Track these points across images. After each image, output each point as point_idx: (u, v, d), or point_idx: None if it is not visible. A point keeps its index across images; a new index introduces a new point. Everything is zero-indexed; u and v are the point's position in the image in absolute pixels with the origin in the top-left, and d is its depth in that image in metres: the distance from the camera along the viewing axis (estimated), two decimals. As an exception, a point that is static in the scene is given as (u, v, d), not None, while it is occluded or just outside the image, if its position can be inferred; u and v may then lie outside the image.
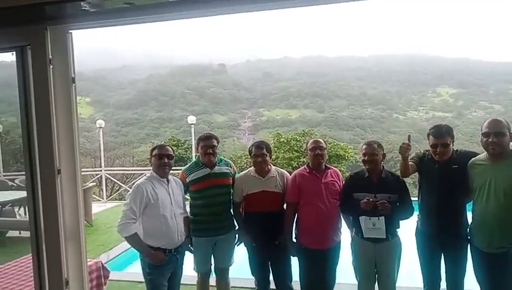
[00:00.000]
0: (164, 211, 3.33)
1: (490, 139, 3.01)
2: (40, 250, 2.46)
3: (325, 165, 3.71)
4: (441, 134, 3.31)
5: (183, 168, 3.97)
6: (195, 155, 4.04)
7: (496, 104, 55.93)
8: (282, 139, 19.09)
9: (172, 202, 3.42)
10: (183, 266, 3.62)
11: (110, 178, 13.52)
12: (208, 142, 3.75)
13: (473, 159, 3.26)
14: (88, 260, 4.02)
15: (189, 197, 3.82)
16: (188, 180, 3.75)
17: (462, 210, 3.37)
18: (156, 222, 3.30)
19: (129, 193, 3.39)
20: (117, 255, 6.36)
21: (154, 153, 3.46)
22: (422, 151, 3.52)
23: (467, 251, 3.35)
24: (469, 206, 3.35)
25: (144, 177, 3.48)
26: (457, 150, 3.41)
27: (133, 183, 3.44)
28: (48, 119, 2.47)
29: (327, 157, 3.79)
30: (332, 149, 17.69)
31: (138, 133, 51.82)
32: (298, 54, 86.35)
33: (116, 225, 3.25)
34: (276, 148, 18.44)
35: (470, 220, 3.34)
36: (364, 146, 3.54)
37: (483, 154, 3.20)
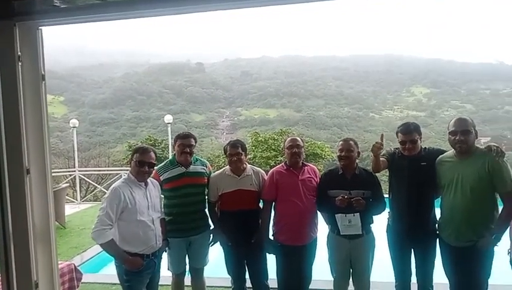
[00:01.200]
0: (141, 216, 3.18)
1: (457, 137, 3.12)
2: (8, 252, 2.40)
3: (302, 163, 3.74)
4: (409, 131, 3.41)
5: (157, 167, 3.89)
6: (172, 154, 3.92)
7: (467, 103, 57.85)
8: (260, 139, 19.15)
9: (150, 206, 3.28)
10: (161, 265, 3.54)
11: (84, 179, 13.23)
12: (185, 141, 3.72)
13: (441, 156, 3.37)
14: (60, 262, 3.96)
15: (162, 196, 3.76)
16: (162, 178, 3.69)
17: (430, 206, 3.46)
18: (134, 228, 3.16)
19: (105, 196, 3.22)
20: (91, 258, 6.23)
21: (135, 157, 3.27)
22: (392, 149, 3.61)
23: (435, 246, 3.44)
24: (437, 202, 3.46)
25: (121, 179, 3.31)
26: (425, 147, 3.52)
27: (109, 184, 3.28)
28: (17, 118, 2.42)
29: (304, 155, 3.82)
30: (309, 148, 17.87)
31: (114, 133, 50.97)
32: (276, 53, 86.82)
33: (91, 230, 3.06)
34: (254, 148, 18.49)
35: (438, 215, 3.45)
36: (340, 142, 3.59)
37: (450, 152, 3.32)
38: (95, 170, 17.47)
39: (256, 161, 17.42)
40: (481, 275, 3.16)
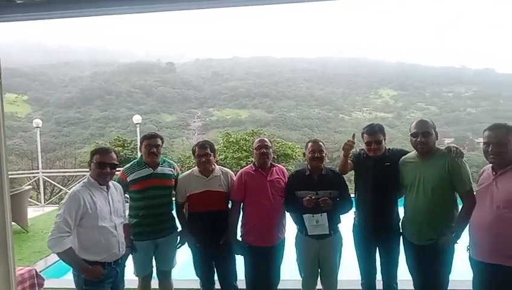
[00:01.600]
0: (103, 222, 2.98)
1: (419, 139, 3.23)
2: (-40, 259, 2.27)
3: (271, 163, 3.75)
4: (374, 132, 3.50)
5: (123, 168, 3.78)
6: (140, 155, 3.82)
7: (431, 105, 60.09)
8: (231, 139, 19.10)
9: (112, 211, 3.08)
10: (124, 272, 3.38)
11: (48, 181, 12.75)
12: (152, 141, 3.65)
13: (404, 157, 3.47)
14: (21, 268, 3.82)
15: (128, 198, 3.67)
16: (128, 179, 3.61)
17: (394, 205, 3.56)
18: (94, 234, 2.95)
19: (63, 201, 3.00)
20: (55, 262, 6.00)
21: (95, 158, 3.06)
22: (358, 150, 3.68)
23: (399, 244, 3.55)
24: (400, 201, 3.56)
25: (81, 183, 3.08)
26: (389, 148, 3.61)
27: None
28: (-31, 118, 2.29)
29: (273, 155, 3.82)
30: (280, 148, 18.01)
31: (81, 133, 49.57)
32: (248, 54, 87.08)
33: (47, 238, 2.85)
34: (225, 148, 18.43)
35: (401, 214, 3.54)
36: (310, 144, 3.60)
37: (412, 153, 3.42)
38: (59, 172, 16.87)
39: (228, 161, 17.36)
40: (442, 271, 3.27)
